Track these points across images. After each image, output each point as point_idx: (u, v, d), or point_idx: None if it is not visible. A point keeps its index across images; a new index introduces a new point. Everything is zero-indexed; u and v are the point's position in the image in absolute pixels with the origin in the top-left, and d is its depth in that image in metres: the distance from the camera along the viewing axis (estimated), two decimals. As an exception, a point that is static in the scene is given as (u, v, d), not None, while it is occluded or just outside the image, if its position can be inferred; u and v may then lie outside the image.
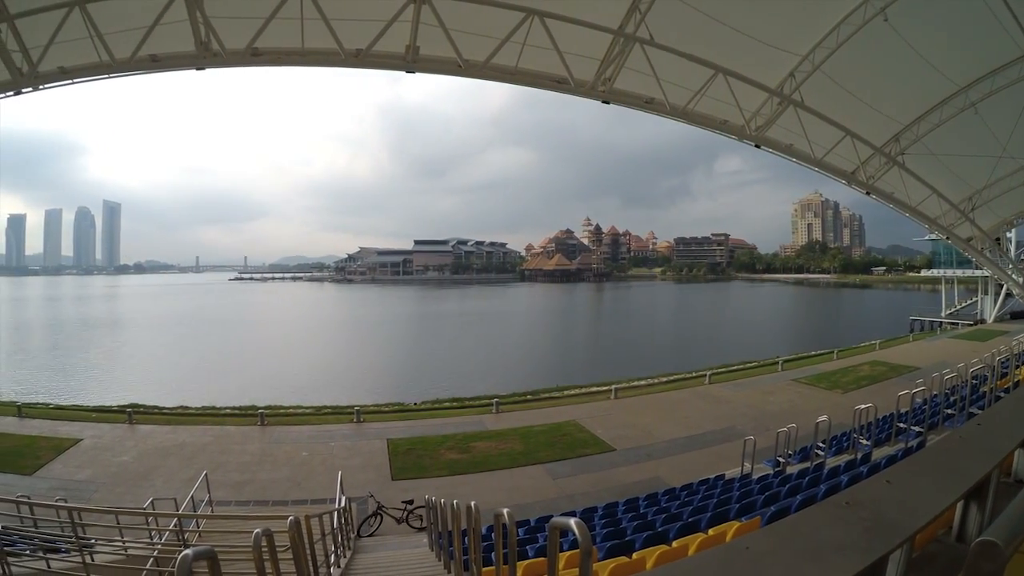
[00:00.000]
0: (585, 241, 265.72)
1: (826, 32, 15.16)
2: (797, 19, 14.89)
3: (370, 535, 13.64)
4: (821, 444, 13.81)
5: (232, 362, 51.84)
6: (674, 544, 6.82)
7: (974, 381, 17.15)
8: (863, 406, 14.31)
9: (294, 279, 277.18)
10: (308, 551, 6.05)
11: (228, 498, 15.31)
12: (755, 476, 12.75)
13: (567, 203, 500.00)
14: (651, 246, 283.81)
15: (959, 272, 61.39)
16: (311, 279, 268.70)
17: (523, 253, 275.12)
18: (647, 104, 16.06)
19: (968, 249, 26.63)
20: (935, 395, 15.80)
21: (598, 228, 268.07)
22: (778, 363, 33.30)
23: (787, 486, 9.38)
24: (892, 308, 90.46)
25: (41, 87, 12.53)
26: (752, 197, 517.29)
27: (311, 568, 6.02)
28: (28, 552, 8.38)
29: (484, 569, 6.16)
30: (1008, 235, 36.63)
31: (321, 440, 20.46)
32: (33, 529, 8.96)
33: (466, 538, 6.68)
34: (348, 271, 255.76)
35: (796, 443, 15.14)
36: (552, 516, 4.43)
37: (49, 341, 67.41)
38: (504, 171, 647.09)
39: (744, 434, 16.58)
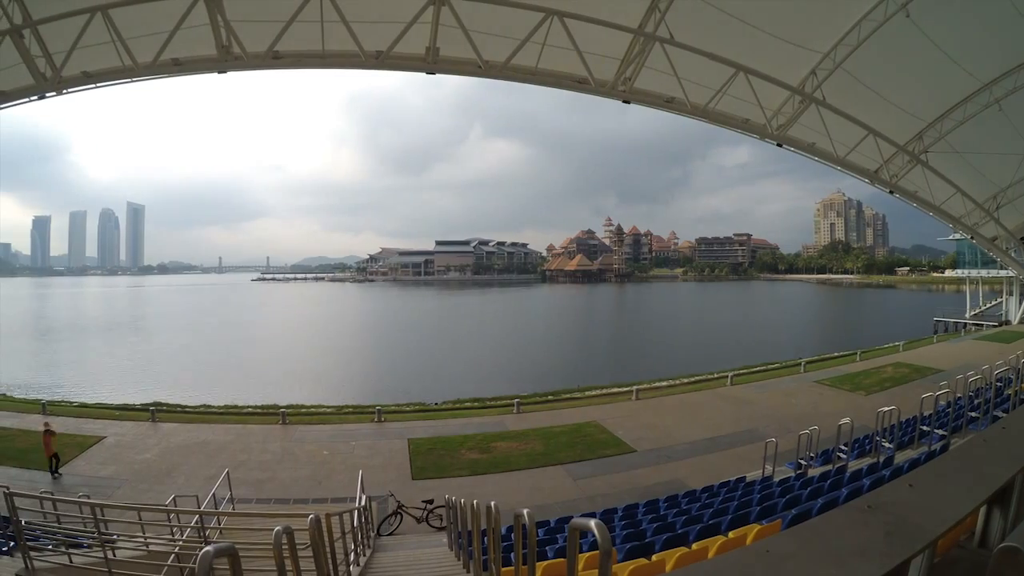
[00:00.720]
0: (607, 241, 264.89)
1: (847, 29, 14.98)
2: (818, 16, 14.72)
3: (390, 534, 13.72)
4: (843, 447, 13.65)
5: (257, 363, 52.28)
6: (694, 546, 6.79)
7: (998, 383, 16.82)
8: (886, 408, 14.12)
9: (316, 279, 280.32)
10: (328, 549, 6.10)
11: (249, 496, 15.46)
12: (776, 479, 12.64)
13: (566, 201, 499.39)
14: (673, 246, 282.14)
15: (984, 272, 60.22)
16: (333, 279, 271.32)
17: (544, 253, 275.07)
18: (668, 103, 16.00)
19: (993, 249, 26.23)
20: (959, 397, 15.54)
21: (619, 228, 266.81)
22: (800, 364, 32.97)
23: (808, 489, 9.29)
24: (916, 309, 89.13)
25: (64, 91, 12.73)
26: (762, 191, 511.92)
27: (331, 566, 6.06)
28: (51, 547, 8.55)
29: (503, 569, 6.16)
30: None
31: (342, 439, 20.61)
32: (56, 524, 9.13)
33: (485, 538, 6.70)
34: (370, 271, 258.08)
35: (818, 445, 14.97)
36: (572, 517, 4.44)
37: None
38: (493, 168, 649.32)
39: (766, 436, 16.43)
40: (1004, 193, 24.21)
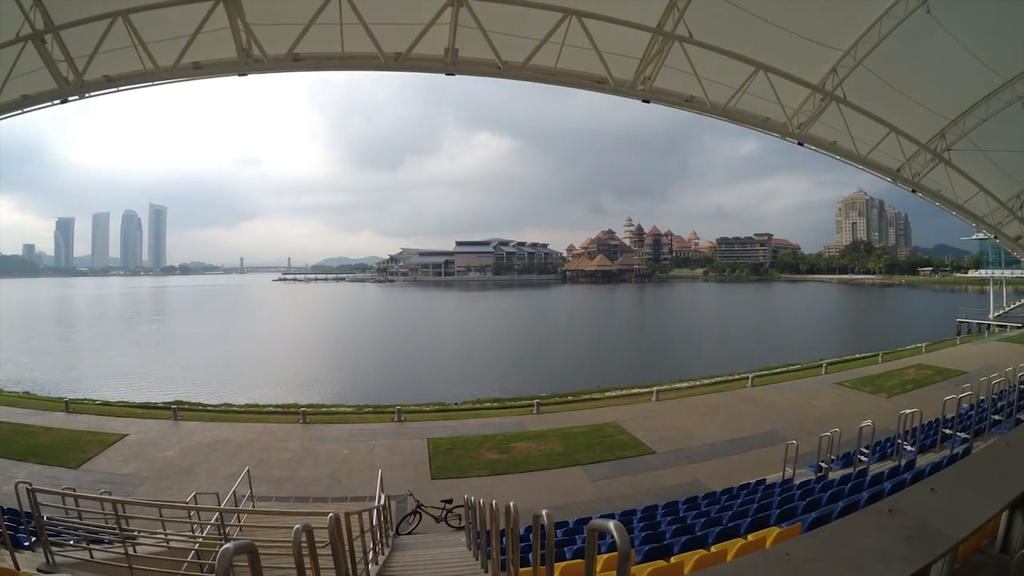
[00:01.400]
0: (627, 241, 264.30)
1: (868, 26, 14.80)
2: (838, 12, 14.56)
3: (409, 533, 13.80)
4: (864, 449, 13.50)
5: (278, 363, 52.74)
6: (713, 549, 6.77)
7: (1022, 386, 16.59)
8: (908, 411, 13.91)
9: (337, 280, 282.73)
10: (347, 547, 6.15)
11: (269, 494, 15.62)
12: (796, 481, 12.56)
13: (560, 198, 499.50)
14: (693, 246, 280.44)
15: (1008, 273, 59.43)
16: (354, 280, 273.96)
17: (564, 254, 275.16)
18: (688, 103, 15.91)
19: (1017, 248, 25.73)
20: (982, 400, 15.30)
21: (639, 228, 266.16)
22: (822, 366, 32.68)
23: (829, 492, 9.22)
24: (938, 309, 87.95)
25: (87, 95, 12.90)
26: (768, 187, 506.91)
27: (349, 564, 6.11)
28: (72, 542, 8.68)
29: (521, 569, 6.18)
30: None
31: (362, 438, 20.75)
32: (77, 520, 9.28)
33: (504, 538, 6.72)
34: (390, 272, 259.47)
35: (839, 448, 14.84)
36: (591, 518, 4.45)
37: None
38: (482, 165, 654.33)
39: (786, 438, 16.32)
40: (1029, 192, 23.81)
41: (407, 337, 70.28)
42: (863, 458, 13.22)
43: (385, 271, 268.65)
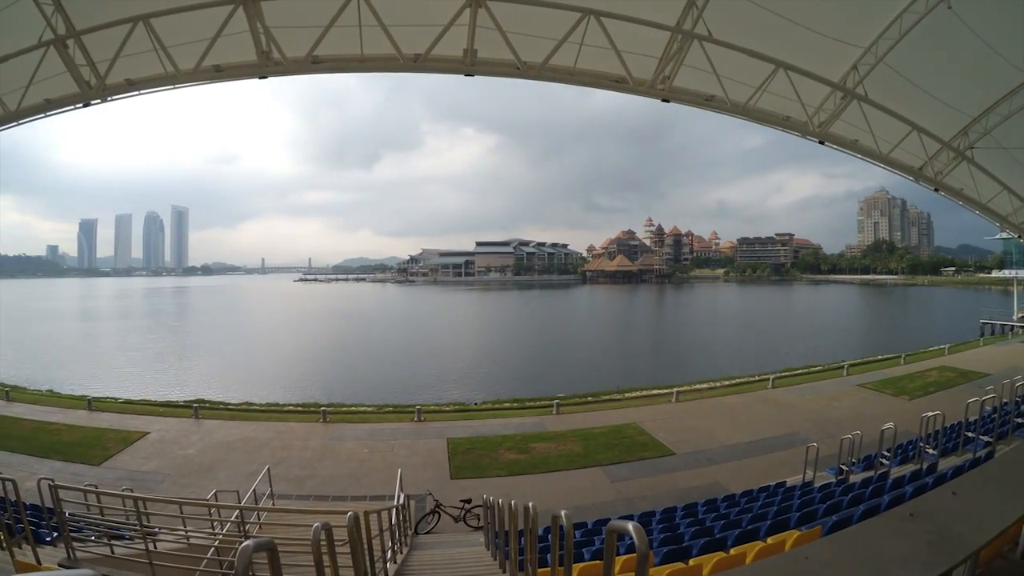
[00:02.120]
0: (647, 242, 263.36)
1: (888, 22, 14.63)
2: (858, 9, 14.42)
3: (427, 532, 13.87)
4: (886, 452, 13.37)
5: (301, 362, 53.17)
6: (732, 551, 6.74)
7: (1048, 388, 16.32)
8: (930, 413, 13.69)
9: (357, 280, 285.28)
10: (366, 546, 6.18)
11: (289, 492, 15.79)
12: (817, 484, 12.46)
13: (555, 196, 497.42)
14: (714, 246, 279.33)
15: (1032, 273, 58.52)
16: (374, 280, 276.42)
17: (584, 254, 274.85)
18: (707, 102, 15.81)
19: (1042, 248, 25.35)
20: (1005, 403, 15.08)
21: (660, 229, 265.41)
22: (843, 367, 32.40)
23: (849, 495, 9.13)
24: (961, 310, 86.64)
25: (109, 99, 13.08)
26: (774, 180, 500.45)
27: (368, 563, 6.15)
28: (93, 538, 8.83)
29: (539, 570, 6.20)
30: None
31: (382, 438, 20.87)
32: (99, 516, 9.42)
33: (522, 538, 6.74)
34: (410, 272, 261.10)
35: (860, 451, 14.67)
36: (610, 519, 4.46)
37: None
38: (475, 164, 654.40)
39: (807, 440, 16.19)
40: (1054, 191, 23.42)
41: (426, 338, 70.26)
42: (884, 461, 13.09)
43: (405, 271, 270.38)
